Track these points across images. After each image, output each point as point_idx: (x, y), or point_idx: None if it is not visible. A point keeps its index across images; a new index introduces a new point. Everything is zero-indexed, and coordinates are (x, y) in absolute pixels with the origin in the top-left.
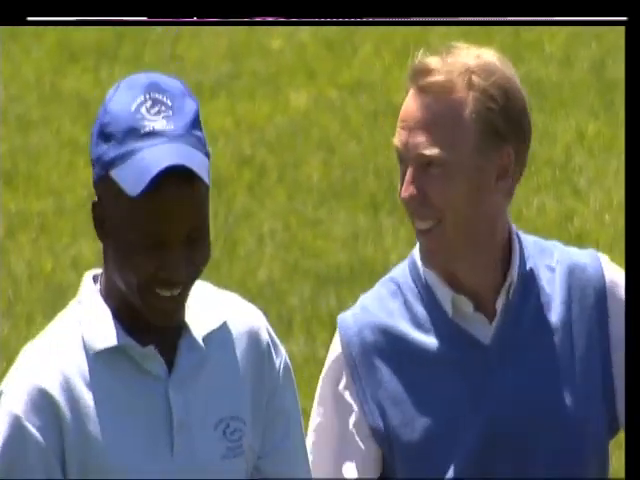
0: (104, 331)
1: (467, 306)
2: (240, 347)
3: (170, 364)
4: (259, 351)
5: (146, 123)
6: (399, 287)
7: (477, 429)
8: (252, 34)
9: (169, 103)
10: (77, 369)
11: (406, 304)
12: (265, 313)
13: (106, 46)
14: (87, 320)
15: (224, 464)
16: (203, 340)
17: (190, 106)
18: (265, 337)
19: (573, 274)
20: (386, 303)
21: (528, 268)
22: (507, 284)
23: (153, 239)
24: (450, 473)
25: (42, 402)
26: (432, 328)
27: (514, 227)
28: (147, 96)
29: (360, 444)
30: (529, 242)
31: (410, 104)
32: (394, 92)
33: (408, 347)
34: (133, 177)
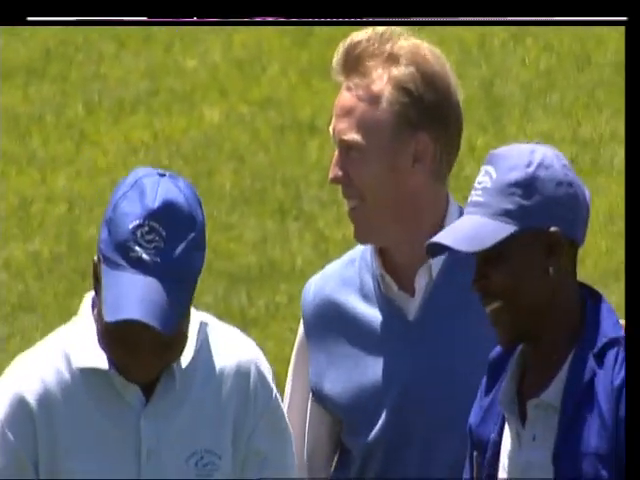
0: (91, 352)
1: (391, 283)
2: (226, 383)
3: (150, 393)
4: (245, 390)
5: (137, 248)
6: (359, 257)
7: (392, 398)
8: (169, 54)
9: (163, 234)
10: (58, 383)
11: (359, 273)
12: None
13: (35, 65)
14: (77, 339)
15: None
16: (187, 373)
17: (187, 232)
18: (254, 377)
19: None
20: (344, 270)
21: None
22: (428, 263)
23: (123, 348)
24: (371, 437)
25: (20, 411)
26: (374, 299)
27: (457, 207)
28: (146, 222)
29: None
30: None
31: (340, 94)
32: (299, 108)
33: (351, 316)
34: (107, 304)
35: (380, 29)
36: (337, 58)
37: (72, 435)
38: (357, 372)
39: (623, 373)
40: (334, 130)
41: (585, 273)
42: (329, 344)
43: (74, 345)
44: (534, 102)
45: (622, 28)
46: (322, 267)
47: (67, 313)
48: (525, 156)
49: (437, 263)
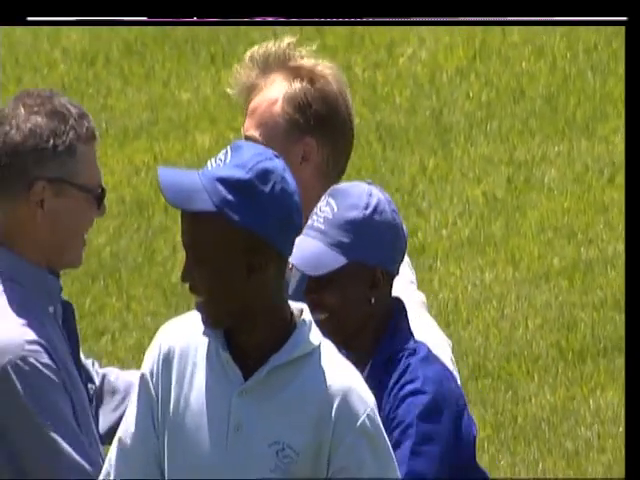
0: None
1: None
2: (316, 396)
3: (249, 376)
4: (329, 411)
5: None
6: None
7: None
8: (167, 89)
9: (227, 154)
10: (194, 340)
11: None
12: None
13: None
14: None
15: (271, 477)
16: (286, 371)
17: (234, 172)
18: (340, 401)
19: None
20: None
21: None
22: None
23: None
24: None
25: (161, 353)
26: None
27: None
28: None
29: None
30: None
31: (254, 93)
32: None
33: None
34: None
35: (288, 43)
36: (252, 58)
37: (182, 392)
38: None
39: (408, 384)
40: (243, 126)
41: (520, 275)
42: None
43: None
44: (477, 129)
45: (548, 66)
46: None
47: (80, 312)
48: (364, 198)
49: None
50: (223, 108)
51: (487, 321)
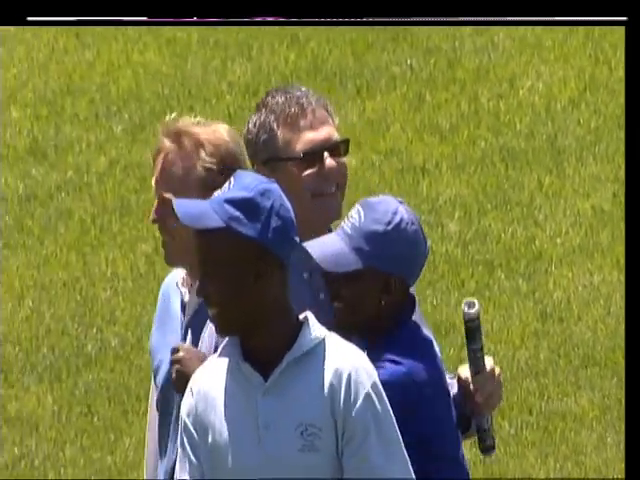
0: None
1: None
2: (326, 377)
3: (267, 375)
4: (338, 386)
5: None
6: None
7: None
8: None
9: (231, 182)
10: (215, 371)
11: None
12: None
13: None
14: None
15: (301, 456)
16: (299, 363)
17: (238, 193)
18: (346, 378)
19: None
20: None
21: None
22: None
23: None
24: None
25: (193, 395)
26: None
27: None
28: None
29: None
30: None
31: (161, 159)
32: (415, 156)
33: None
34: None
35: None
36: (164, 129)
37: (211, 399)
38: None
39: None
40: (155, 184)
41: (624, 278)
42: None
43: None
44: (586, 151)
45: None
46: None
47: None
48: (388, 215)
49: None
50: (367, 133)
51: (595, 318)
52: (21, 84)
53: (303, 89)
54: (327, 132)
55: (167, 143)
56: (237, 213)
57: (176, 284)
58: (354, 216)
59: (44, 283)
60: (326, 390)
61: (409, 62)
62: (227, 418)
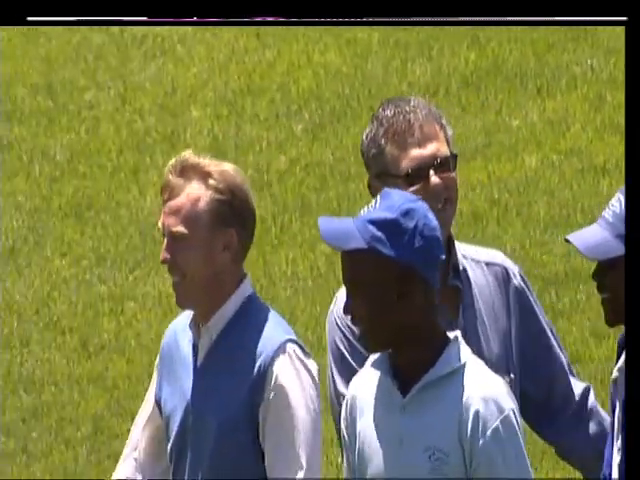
0: None
1: (196, 337)
2: (459, 406)
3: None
4: (470, 417)
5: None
6: (187, 314)
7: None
8: (499, 117)
9: (377, 201)
10: (367, 383)
11: (189, 324)
12: None
13: None
14: None
15: (429, 477)
16: (434, 385)
17: (382, 214)
18: (474, 410)
19: (255, 348)
20: (178, 322)
21: (231, 322)
22: (207, 325)
23: None
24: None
25: (347, 408)
26: (190, 346)
27: (248, 292)
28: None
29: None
30: (255, 307)
31: (169, 197)
32: (595, 156)
33: (179, 351)
34: None
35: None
36: (171, 166)
37: (360, 407)
38: (172, 392)
39: None
40: (163, 224)
41: None
42: (164, 365)
43: None
44: None
45: None
46: None
47: None
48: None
49: (216, 326)
50: (548, 133)
51: None
52: (201, 84)
53: (414, 102)
54: (434, 149)
55: (173, 178)
56: (379, 234)
57: (188, 326)
58: (615, 204)
59: None
60: (456, 418)
61: (590, 62)
62: (371, 428)
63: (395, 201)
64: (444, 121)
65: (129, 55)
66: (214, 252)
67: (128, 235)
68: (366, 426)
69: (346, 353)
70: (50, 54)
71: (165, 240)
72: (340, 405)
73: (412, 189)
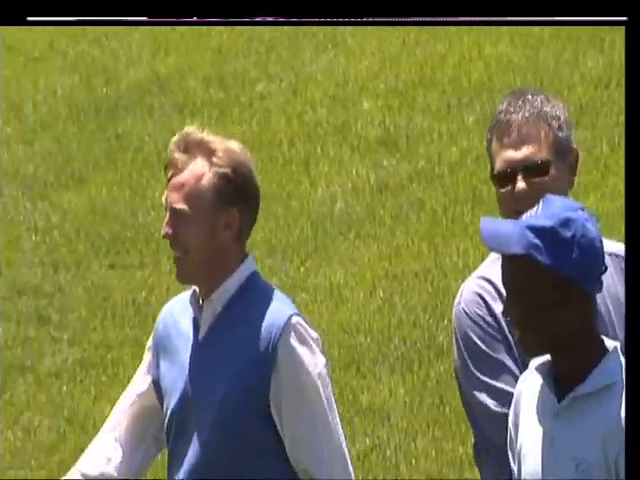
0: None
1: (197, 312)
2: (607, 422)
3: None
4: (615, 435)
5: None
6: (185, 294)
7: (181, 389)
8: None
9: (539, 207)
10: (530, 384)
11: (191, 302)
12: None
13: None
14: None
15: None
16: (595, 399)
17: (540, 221)
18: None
19: (261, 321)
20: (186, 296)
21: (234, 297)
22: (210, 298)
23: None
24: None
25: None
26: (189, 321)
27: (251, 269)
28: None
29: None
30: (258, 284)
31: (173, 172)
32: None
33: (178, 330)
34: None
35: (205, 133)
36: (175, 142)
37: (523, 407)
38: (171, 368)
39: None
40: (166, 199)
41: None
42: (162, 344)
43: None
44: None
45: None
46: None
47: None
48: None
49: (219, 299)
50: None
51: None
52: (373, 76)
53: (529, 97)
54: (527, 152)
55: (177, 154)
56: (537, 241)
57: (189, 302)
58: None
59: (396, 274)
60: (603, 430)
61: None
62: (529, 428)
63: (555, 209)
64: (558, 122)
65: (300, 47)
66: (216, 230)
67: (299, 226)
68: (525, 425)
69: (479, 341)
70: (222, 46)
71: (167, 215)
72: (477, 390)
73: (502, 191)
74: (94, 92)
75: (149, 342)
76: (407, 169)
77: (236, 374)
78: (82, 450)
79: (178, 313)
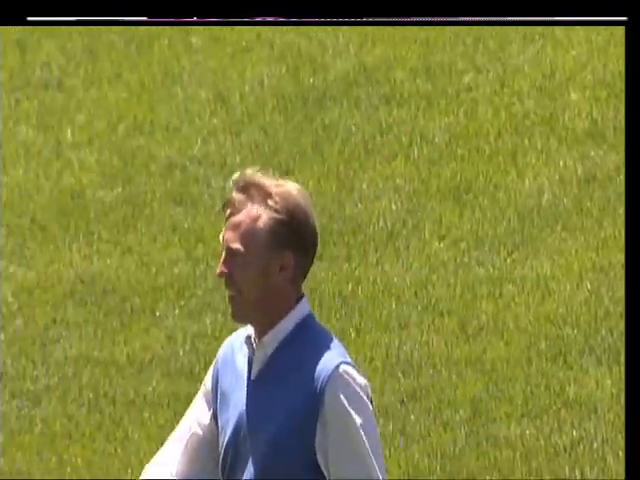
0: None
1: (250, 351)
2: None
3: None
4: None
5: None
6: (245, 329)
7: (235, 423)
8: None
9: None
10: None
11: (245, 340)
12: None
13: None
14: None
15: None
16: None
17: None
18: None
19: (311, 366)
20: (245, 332)
21: (287, 339)
22: (262, 341)
23: None
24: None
25: None
26: (245, 359)
27: (305, 312)
28: None
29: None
30: (312, 327)
31: (231, 212)
32: None
33: (235, 365)
34: None
35: (261, 173)
36: (234, 181)
37: None
38: (226, 403)
39: None
40: (224, 238)
41: None
42: (220, 379)
43: None
44: None
45: None
46: None
47: None
48: None
49: (271, 342)
50: None
51: None
52: (580, 66)
53: None
54: None
55: (235, 194)
56: None
57: (246, 340)
58: None
59: (603, 265)
60: None
61: None
62: None
63: None
64: None
65: (508, 38)
66: (270, 272)
67: (506, 218)
68: None
69: None
70: (429, 38)
71: (223, 254)
72: None
73: None
74: (301, 83)
75: (210, 372)
76: (615, 160)
77: (285, 418)
78: None
79: (237, 349)
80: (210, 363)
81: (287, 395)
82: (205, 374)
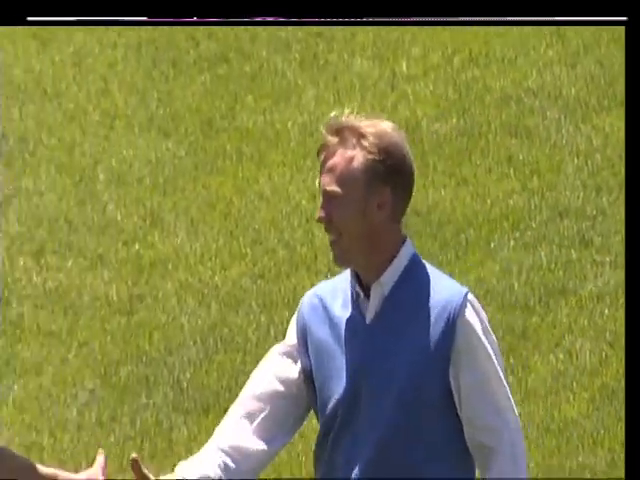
0: None
1: (361, 294)
2: None
3: None
4: None
5: None
6: (344, 275)
7: (348, 375)
8: None
9: None
10: None
11: (344, 284)
12: None
13: None
14: None
15: None
16: None
17: None
18: None
19: (436, 297)
20: (337, 283)
21: (402, 277)
22: (379, 281)
23: None
24: (332, 403)
25: None
26: (348, 305)
27: (413, 250)
28: None
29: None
30: (423, 263)
31: (325, 156)
32: None
33: (333, 314)
34: None
35: (357, 115)
36: (326, 126)
37: None
38: (328, 355)
39: None
40: (319, 183)
41: None
42: (313, 331)
43: None
44: None
45: None
46: None
47: None
48: None
49: (387, 282)
50: None
51: None
52: None
53: None
54: None
55: (329, 138)
56: None
57: (350, 287)
58: None
59: None
60: None
61: None
62: None
63: None
64: None
65: None
66: (368, 211)
67: None
68: None
69: None
70: None
71: (321, 198)
72: None
73: None
74: None
75: (292, 328)
76: None
77: (418, 352)
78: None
79: (329, 300)
80: (546, 296)
81: (414, 329)
82: (540, 308)
